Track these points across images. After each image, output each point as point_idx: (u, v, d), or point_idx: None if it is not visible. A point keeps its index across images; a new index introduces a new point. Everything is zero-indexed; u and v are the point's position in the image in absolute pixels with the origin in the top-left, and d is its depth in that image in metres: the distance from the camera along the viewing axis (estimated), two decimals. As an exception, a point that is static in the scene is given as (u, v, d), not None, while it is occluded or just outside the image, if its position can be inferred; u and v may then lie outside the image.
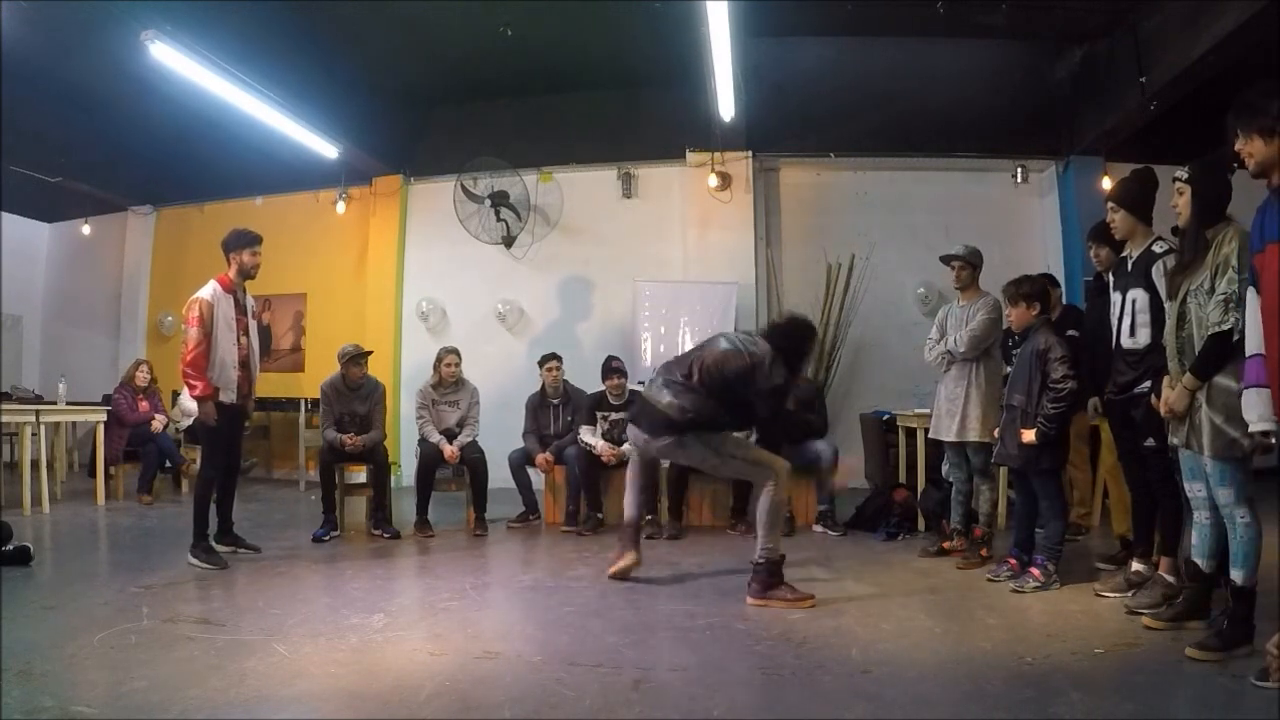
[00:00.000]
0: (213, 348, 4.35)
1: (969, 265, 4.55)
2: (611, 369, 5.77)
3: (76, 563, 4.51)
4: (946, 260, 4.64)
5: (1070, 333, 4.50)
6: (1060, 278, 6.57)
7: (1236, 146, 2.53)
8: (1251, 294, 2.58)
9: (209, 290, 4.42)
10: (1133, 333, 3.45)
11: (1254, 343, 2.56)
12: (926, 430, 5.08)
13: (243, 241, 4.53)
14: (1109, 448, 4.35)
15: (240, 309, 4.54)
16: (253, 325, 4.66)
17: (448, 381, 5.77)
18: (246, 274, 4.56)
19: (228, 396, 4.44)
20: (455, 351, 5.86)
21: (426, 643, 3.01)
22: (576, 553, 4.84)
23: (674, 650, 2.96)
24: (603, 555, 4.63)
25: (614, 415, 5.72)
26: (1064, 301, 5.04)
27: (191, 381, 4.33)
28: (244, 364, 4.54)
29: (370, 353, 5.67)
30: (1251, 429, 2.58)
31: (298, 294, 9.06)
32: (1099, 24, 6.76)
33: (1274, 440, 2.54)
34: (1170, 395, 2.94)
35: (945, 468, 4.66)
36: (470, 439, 5.65)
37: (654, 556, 4.68)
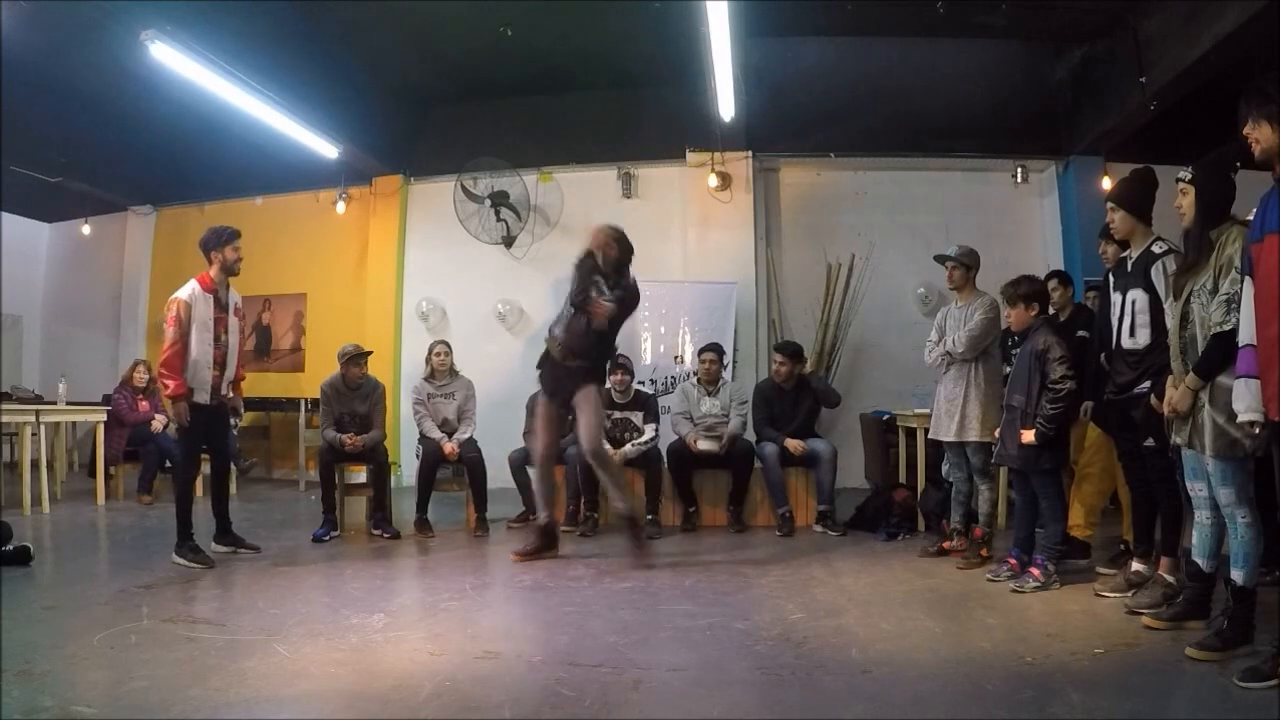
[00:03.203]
0: (188, 348, 4.34)
1: (962, 265, 4.54)
2: (617, 364, 5.76)
3: (76, 563, 4.51)
4: (940, 260, 4.65)
5: (1081, 333, 4.49)
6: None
7: (1245, 131, 2.53)
8: (1246, 284, 2.58)
9: (188, 290, 4.41)
10: (1132, 333, 3.46)
11: (1247, 334, 2.56)
12: (926, 430, 5.08)
13: (221, 239, 4.49)
14: (1096, 450, 4.34)
15: (221, 307, 4.50)
16: (234, 323, 4.59)
17: (440, 371, 5.77)
18: (230, 270, 4.52)
19: (201, 397, 4.42)
20: (444, 343, 5.90)
21: (426, 643, 3.01)
22: (576, 553, 4.84)
23: (674, 650, 2.96)
24: (603, 555, 4.64)
25: (616, 414, 5.71)
26: (1074, 300, 5.01)
27: (165, 380, 4.33)
28: (219, 364, 4.50)
29: (370, 353, 5.67)
30: (1239, 419, 2.58)
31: (298, 294, 9.05)
32: (1099, 24, 6.75)
33: (1258, 430, 2.54)
34: (1173, 395, 2.94)
35: (945, 468, 4.66)
36: (468, 435, 5.65)
37: (655, 556, 4.69)
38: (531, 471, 4.84)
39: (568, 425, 4.96)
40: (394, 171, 8.49)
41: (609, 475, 4.64)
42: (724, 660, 2.84)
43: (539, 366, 4.77)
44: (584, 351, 4.57)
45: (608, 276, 4.60)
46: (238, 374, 4.70)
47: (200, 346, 4.39)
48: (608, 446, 5.52)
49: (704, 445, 5.57)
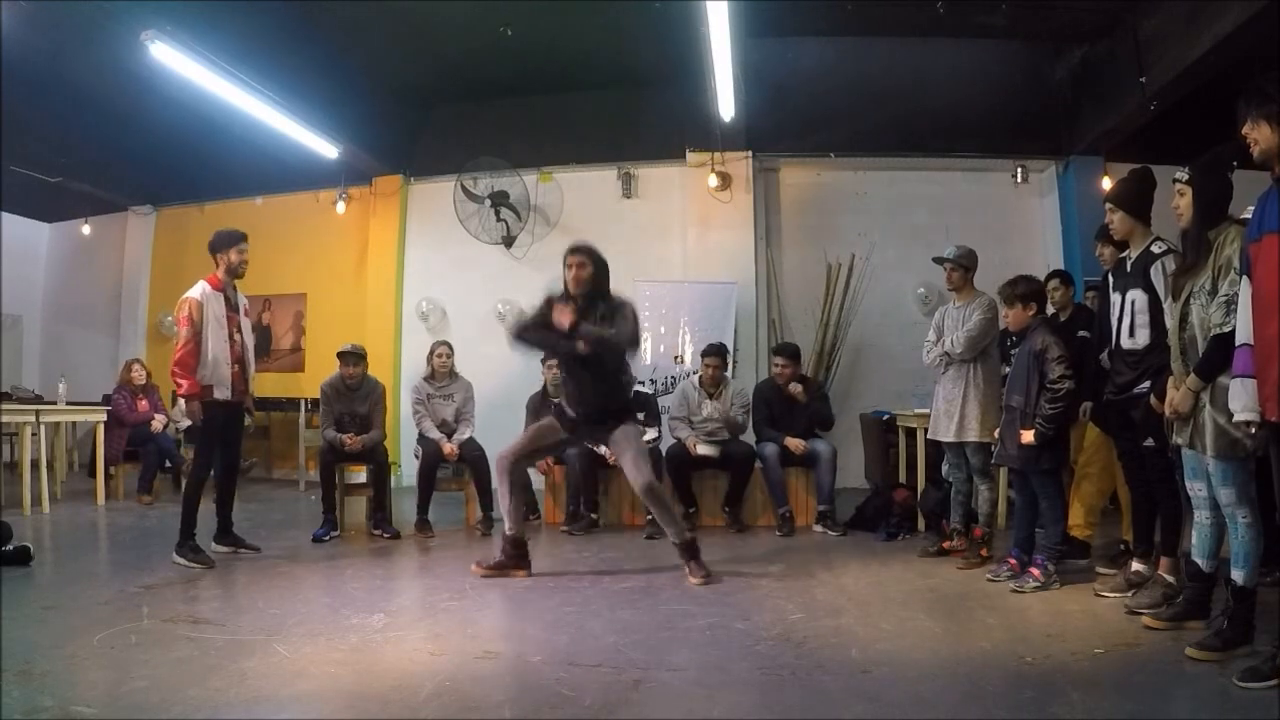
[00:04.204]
0: (203, 346, 4.35)
1: (960, 267, 4.54)
2: None
3: (76, 563, 4.51)
4: (938, 262, 4.65)
5: (1081, 334, 4.49)
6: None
7: (1244, 130, 2.53)
8: (1244, 283, 2.58)
9: (198, 290, 4.43)
10: (1132, 333, 3.46)
11: (1244, 333, 2.56)
12: (926, 430, 5.08)
13: (228, 241, 4.53)
14: (1096, 450, 4.35)
15: (231, 307, 4.53)
16: (245, 323, 4.64)
17: (440, 373, 5.78)
18: (235, 272, 4.56)
19: (222, 394, 4.43)
20: (446, 343, 5.91)
21: (426, 643, 3.01)
22: (576, 553, 4.84)
23: (674, 650, 2.96)
24: (603, 555, 4.65)
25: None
26: (1074, 300, 5.01)
27: (179, 380, 4.34)
28: (239, 361, 4.54)
29: (364, 353, 5.62)
30: (1235, 418, 2.58)
31: (298, 294, 9.06)
32: (1099, 24, 6.75)
33: (1254, 430, 2.54)
34: (1174, 396, 2.94)
35: (945, 468, 4.66)
36: (468, 435, 5.65)
37: (654, 556, 4.70)
38: (496, 477, 4.33)
39: (548, 447, 4.49)
40: (394, 171, 8.49)
41: (660, 510, 4.18)
42: (724, 660, 2.83)
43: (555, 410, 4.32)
44: (601, 402, 4.13)
45: (590, 308, 4.04)
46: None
47: (217, 343, 4.40)
48: (604, 446, 5.52)
49: (703, 450, 5.56)
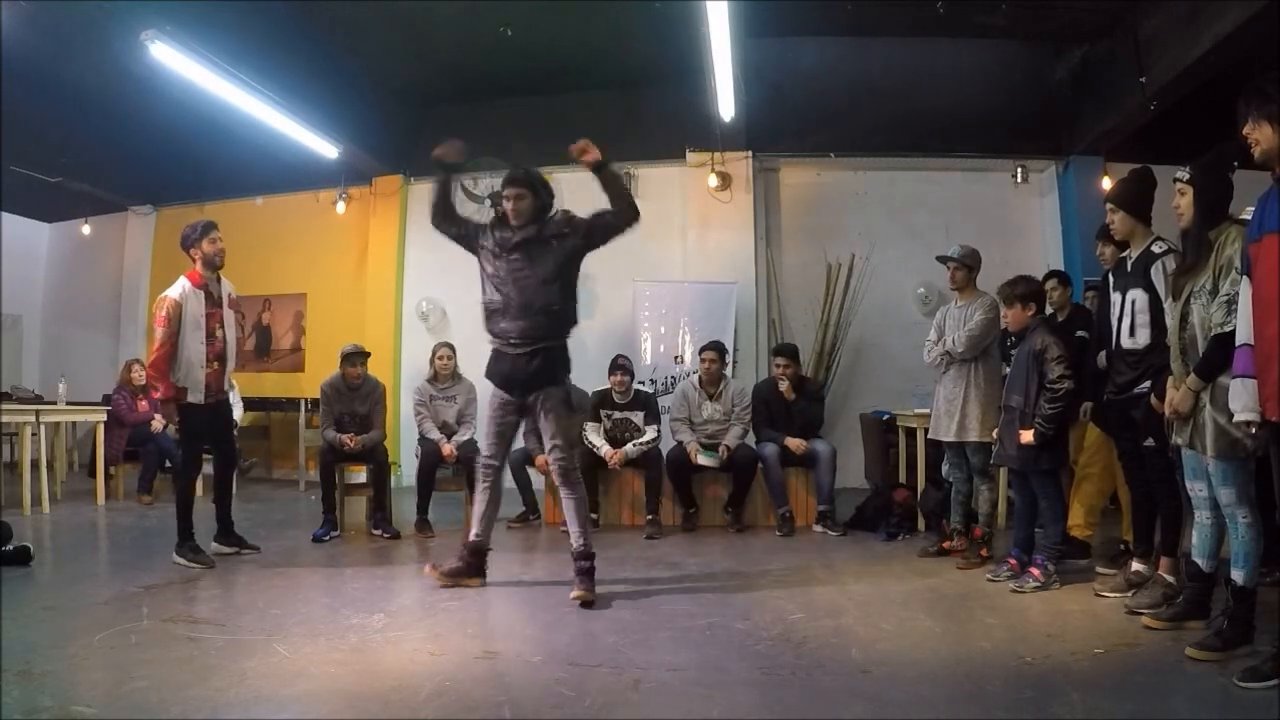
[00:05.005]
0: (179, 348, 4.27)
1: (964, 266, 4.55)
2: (617, 365, 5.79)
3: (76, 563, 4.51)
4: (942, 261, 4.66)
5: (1079, 334, 4.49)
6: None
7: (1244, 130, 2.53)
8: (1244, 283, 2.58)
9: (178, 289, 4.33)
10: (1132, 333, 3.46)
11: (1244, 333, 2.56)
12: (926, 430, 5.08)
13: (198, 233, 4.42)
14: (1096, 450, 4.35)
15: (213, 302, 4.44)
16: (229, 315, 4.53)
17: (443, 375, 5.79)
18: (213, 264, 4.45)
19: (195, 397, 4.34)
20: (449, 345, 5.90)
21: (426, 643, 3.01)
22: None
23: (674, 650, 2.96)
24: (603, 555, 4.60)
25: (617, 414, 5.73)
26: (1072, 300, 5.02)
27: (154, 384, 4.29)
28: (220, 358, 4.44)
29: (368, 354, 5.64)
30: (1235, 418, 2.58)
31: (298, 294, 9.06)
32: (1099, 24, 6.75)
33: (1255, 430, 2.54)
34: (1174, 396, 2.94)
35: (945, 468, 4.66)
36: (468, 436, 5.65)
37: (654, 556, 4.70)
38: (479, 481, 3.93)
39: (511, 425, 4.05)
40: (394, 171, 8.49)
41: (575, 503, 3.76)
42: (724, 660, 2.84)
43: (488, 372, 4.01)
44: (531, 324, 3.85)
45: (535, 237, 3.81)
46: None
47: (193, 345, 4.31)
48: (605, 447, 5.55)
49: (703, 460, 5.55)
